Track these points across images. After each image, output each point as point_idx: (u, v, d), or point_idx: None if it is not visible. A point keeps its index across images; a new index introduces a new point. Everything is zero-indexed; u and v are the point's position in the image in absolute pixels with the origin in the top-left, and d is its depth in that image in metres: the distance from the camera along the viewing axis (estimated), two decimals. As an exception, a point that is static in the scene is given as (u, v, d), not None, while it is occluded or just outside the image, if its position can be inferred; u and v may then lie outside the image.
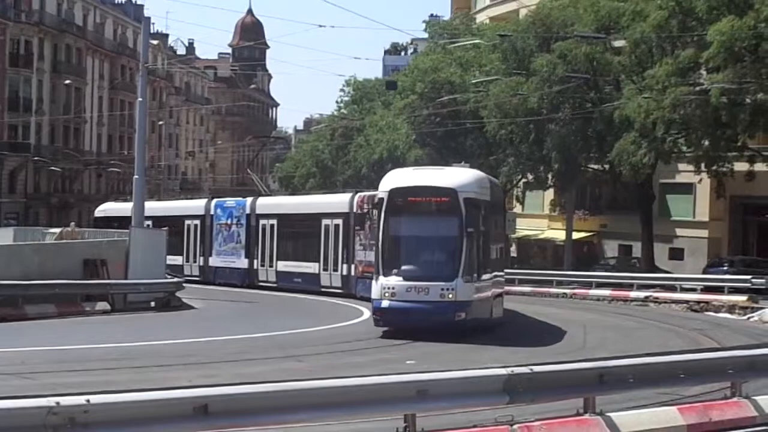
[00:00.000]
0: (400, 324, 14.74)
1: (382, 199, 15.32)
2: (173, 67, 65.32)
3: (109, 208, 33.01)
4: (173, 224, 26.46)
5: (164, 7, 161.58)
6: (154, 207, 29.32)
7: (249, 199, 28.40)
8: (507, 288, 22.87)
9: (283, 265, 25.68)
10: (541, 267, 34.04)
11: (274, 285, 25.58)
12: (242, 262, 27.03)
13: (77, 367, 10.12)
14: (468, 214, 14.75)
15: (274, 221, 26.15)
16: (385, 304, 14.70)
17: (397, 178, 16.23)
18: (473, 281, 14.69)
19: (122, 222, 24.31)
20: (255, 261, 26.69)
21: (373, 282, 15.04)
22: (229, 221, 27.97)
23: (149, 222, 23.75)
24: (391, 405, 6.18)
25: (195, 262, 28.51)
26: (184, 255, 28.41)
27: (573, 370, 8.06)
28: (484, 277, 15.16)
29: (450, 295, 14.46)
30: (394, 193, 15.42)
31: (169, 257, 22.42)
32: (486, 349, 13.96)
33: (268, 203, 28.03)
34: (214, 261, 27.94)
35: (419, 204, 15.81)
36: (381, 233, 15.64)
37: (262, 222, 26.49)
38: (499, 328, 17.19)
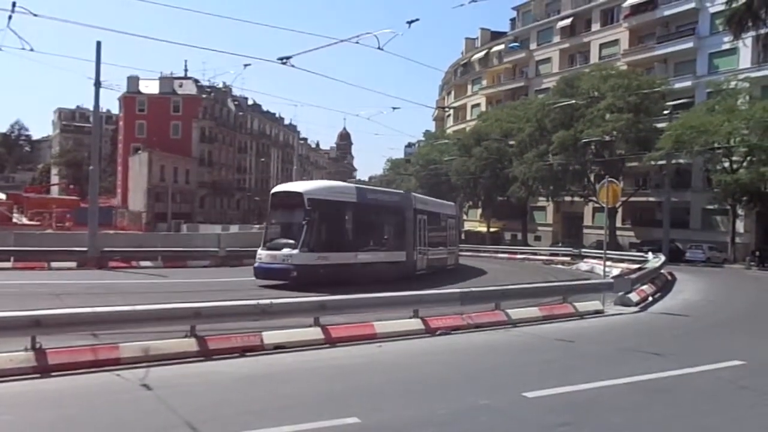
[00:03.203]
0: (261, 277, 19.04)
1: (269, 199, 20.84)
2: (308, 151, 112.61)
3: None
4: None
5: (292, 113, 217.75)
6: None
7: None
8: (459, 252, 32.65)
9: None
10: (477, 243, 53.48)
11: None
12: None
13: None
14: (309, 209, 18.85)
15: None
16: (256, 264, 19.50)
17: (277, 187, 22.45)
18: (310, 252, 18.68)
19: None
20: None
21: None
22: None
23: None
24: (405, 305, 11.61)
25: None
26: None
27: (490, 290, 13.65)
28: (320, 250, 18.87)
29: (289, 260, 18.56)
30: (272, 195, 21.14)
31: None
32: (440, 281, 20.71)
33: None
34: None
35: (281, 202, 20.55)
36: (266, 220, 21.83)
37: None
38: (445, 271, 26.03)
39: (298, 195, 19.55)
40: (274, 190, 21.84)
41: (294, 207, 19.40)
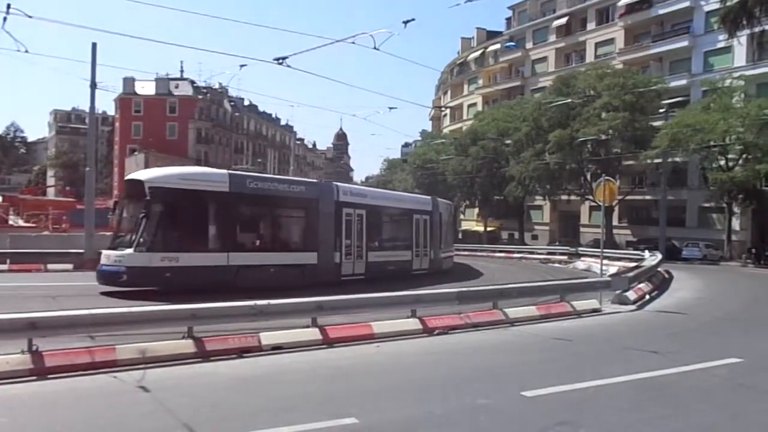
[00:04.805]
0: (99, 281, 16.19)
1: None
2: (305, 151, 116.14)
3: None
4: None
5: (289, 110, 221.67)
6: None
7: None
8: (455, 252, 30.78)
9: None
10: (474, 243, 54.76)
11: None
12: None
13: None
14: (150, 200, 15.91)
15: None
16: (99, 266, 16.65)
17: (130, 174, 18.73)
18: (147, 252, 15.83)
19: None
20: None
21: None
22: None
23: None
24: (401, 306, 11.64)
25: None
26: None
27: (488, 289, 13.63)
28: (164, 250, 15.92)
29: (120, 261, 15.85)
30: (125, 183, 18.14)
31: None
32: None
33: None
34: None
35: (127, 193, 17.67)
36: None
37: None
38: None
39: (140, 184, 16.54)
40: (126, 177, 18.91)
41: (137, 198, 16.55)
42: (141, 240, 16.00)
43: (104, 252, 16.75)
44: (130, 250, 15.93)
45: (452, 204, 32.54)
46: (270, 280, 17.19)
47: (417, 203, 27.41)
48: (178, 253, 16.18)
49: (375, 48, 16.67)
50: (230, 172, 18.71)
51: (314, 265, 19.59)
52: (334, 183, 22.99)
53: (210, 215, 17.49)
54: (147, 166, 70.24)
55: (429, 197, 30.96)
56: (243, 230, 18.68)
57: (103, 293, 15.50)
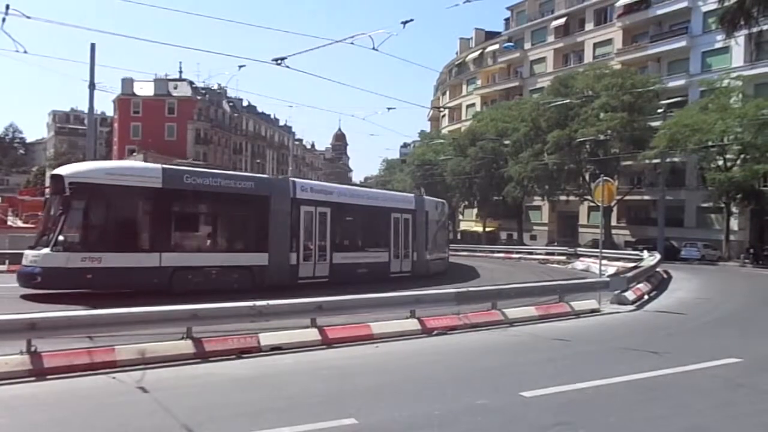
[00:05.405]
0: (18, 282, 15.16)
1: None
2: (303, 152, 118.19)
3: None
4: None
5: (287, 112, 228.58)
6: None
7: None
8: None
9: None
10: (473, 243, 55.08)
11: None
12: None
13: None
14: (69, 196, 14.97)
15: None
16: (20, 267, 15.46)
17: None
18: (65, 251, 14.75)
19: None
20: None
21: None
22: None
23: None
24: (402, 306, 11.69)
25: None
26: None
27: (487, 289, 13.64)
28: (86, 249, 14.87)
29: (36, 261, 14.86)
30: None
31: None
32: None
33: None
34: None
35: (51, 189, 16.57)
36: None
37: None
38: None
39: (60, 179, 15.37)
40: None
41: (58, 194, 15.46)
42: (59, 239, 14.98)
43: (25, 252, 15.76)
44: (46, 250, 14.93)
45: (444, 203, 30.48)
46: (213, 282, 16.57)
47: (396, 201, 25.82)
48: (101, 253, 15.08)
49: (374, 48, 16.66)
50: (164, 166, 17.51)
51: (264, 266, 18.43)
52: (291, 179, 21.47)
53: (140, 212, 16.53)
54: (145, 166, 70.17)
55: (412, 195, 29.52)
56: (180, 229, 17.43)
57: (23, 296, 14.67)
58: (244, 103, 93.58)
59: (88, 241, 15.42)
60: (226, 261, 17.67)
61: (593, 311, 14.93)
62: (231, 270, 17.49)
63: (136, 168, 17.34)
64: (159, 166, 17.44)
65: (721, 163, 40.60)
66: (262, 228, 18.89)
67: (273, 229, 19.02)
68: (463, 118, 71.88)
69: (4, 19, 17.66)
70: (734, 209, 41.98)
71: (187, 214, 17.95)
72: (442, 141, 64.28)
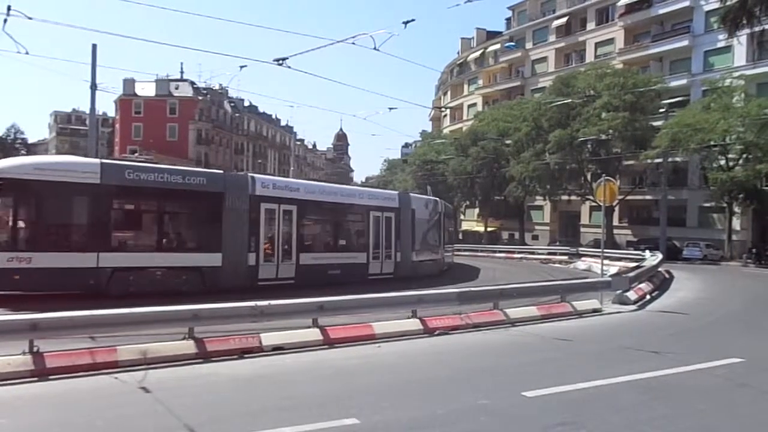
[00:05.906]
0: None
1: None
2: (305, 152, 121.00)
3: None
4: None
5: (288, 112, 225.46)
6: None
7: None
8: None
9: None
10: (475, 243, 54.94)
11: None
12: None
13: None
14: (3, 194, 14.42)
15: None
16: None
17: None
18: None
19: None
20: None
21: None
22: None
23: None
24: (404, 306, 11.84)
25: None
26: None
27: (488, 289, 13.66)
28: (13, 249, 14.25)
29: None
30: None
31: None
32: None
33: None
34: None
35: None
36: None
37: None
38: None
39: None
40: None
41: None
42: None
43: None
44: None
45: (437, 201, 28.70)
46: (157, 284, 15.75)
47: (376, 199, 24.33)
48: (31, 253, 14.29)
49: (375, 48, 16.67)
50: (103, 161, 16.53)
51: (217, 267, 17.35)
52: (250, 174, 20.03)
53: (74, 210, 15.59)
54: (147, 167, 70.29)
55: (396, 192, 28.44)
56: (120, 227, 16.49)
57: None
58: (246, 104, 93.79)
59: (15, 239, 14.69)
60: (173, 261, 16.67)
61: (595, 311, 14.91)
62: (178, 271, 16.59)
63: (70, 163, 16.42)
64: (98, 161, 16.61)
65: (723, 162, 40.55)
66: (214, 226, 17.71)
67: (227, 228, 17.87)
68: (465, 117, 71.92)
69: (5, 20, 17.74)
70: (736, 209, 41.91)
71: (129, 212, 17.10)
72: (443, 141, 64.29)
